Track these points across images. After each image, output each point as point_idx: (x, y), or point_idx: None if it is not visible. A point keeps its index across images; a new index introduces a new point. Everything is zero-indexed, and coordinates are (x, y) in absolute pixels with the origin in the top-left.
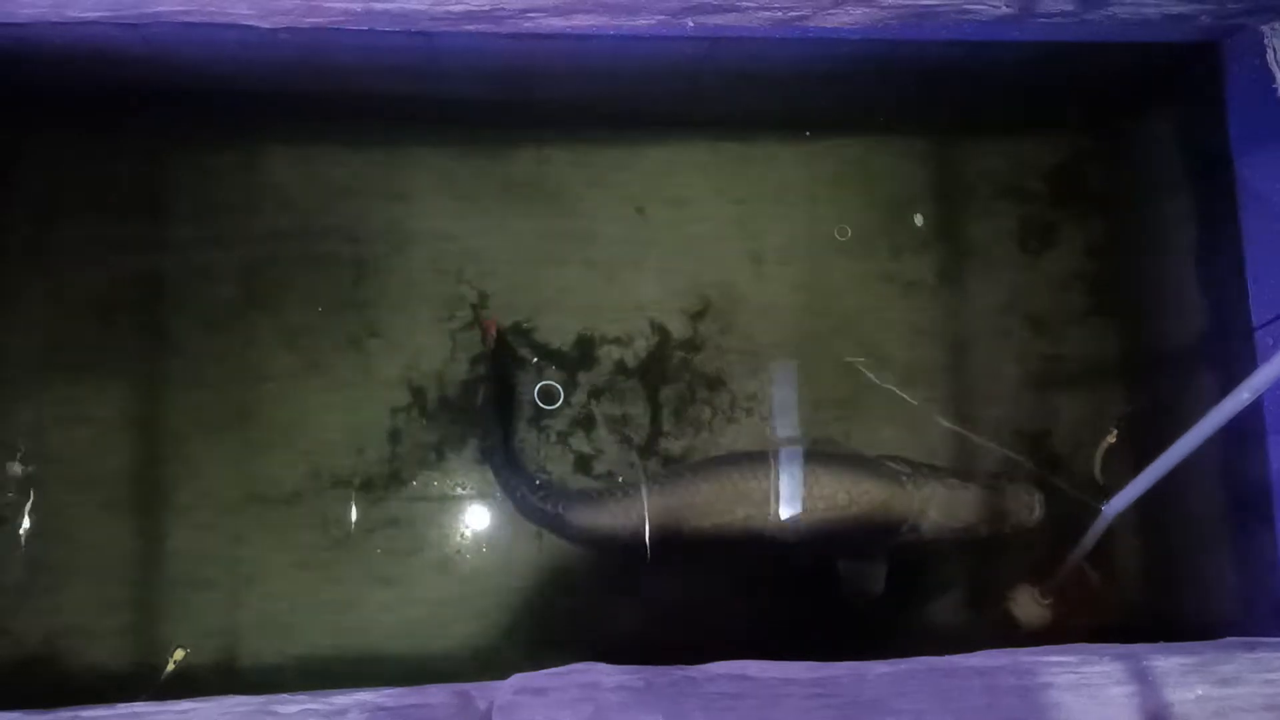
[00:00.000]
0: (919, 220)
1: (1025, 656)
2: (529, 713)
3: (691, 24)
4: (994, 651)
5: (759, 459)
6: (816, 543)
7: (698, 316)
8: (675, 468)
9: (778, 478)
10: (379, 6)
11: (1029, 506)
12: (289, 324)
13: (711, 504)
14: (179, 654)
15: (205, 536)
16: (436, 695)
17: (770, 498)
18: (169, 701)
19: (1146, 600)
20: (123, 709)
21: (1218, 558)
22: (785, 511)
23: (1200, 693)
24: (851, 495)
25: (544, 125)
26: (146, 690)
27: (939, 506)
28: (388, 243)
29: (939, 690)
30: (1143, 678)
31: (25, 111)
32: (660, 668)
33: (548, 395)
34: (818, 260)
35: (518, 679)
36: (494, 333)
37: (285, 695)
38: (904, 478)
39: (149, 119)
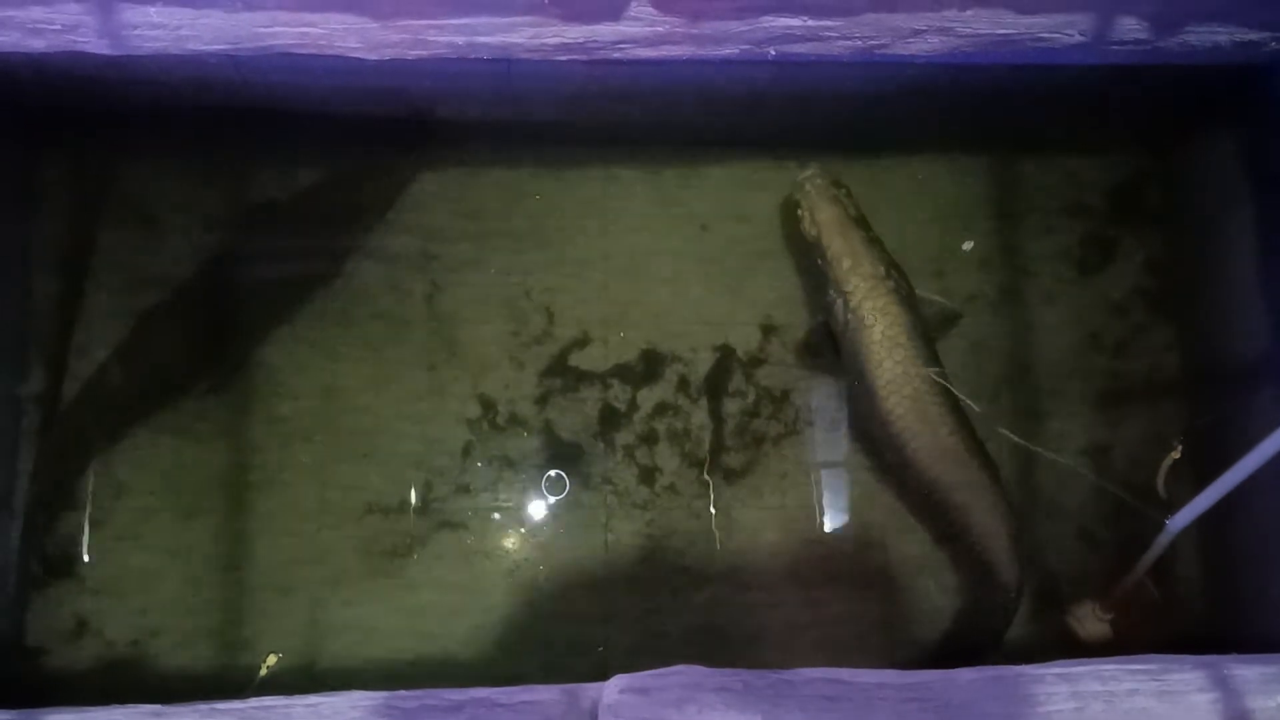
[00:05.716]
0: (967, 246)
1: (1107, 665)
2: (634, 711)
3: (774, 53)
4: (1076, 660)
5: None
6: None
7: (763, 332)
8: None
9: None
10: (481, 39)
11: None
12: (367, 337)
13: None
14: (271, 659)
15: (286, 543)
16: (546, 694)
17: None
18: (297, 696)
19: (1209, 617)
20: (254, 702)
21: None
22: None
23: None
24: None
25: (611, 145)
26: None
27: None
28: (460, 259)
29: (1028, 696)
30: (1224, 685)
31: (119, 134)
32: (756, 671)
33: (555, 485)
34: None
35: (620, 679)
36: None
37: (404, 691)
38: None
39: (234, 139)
